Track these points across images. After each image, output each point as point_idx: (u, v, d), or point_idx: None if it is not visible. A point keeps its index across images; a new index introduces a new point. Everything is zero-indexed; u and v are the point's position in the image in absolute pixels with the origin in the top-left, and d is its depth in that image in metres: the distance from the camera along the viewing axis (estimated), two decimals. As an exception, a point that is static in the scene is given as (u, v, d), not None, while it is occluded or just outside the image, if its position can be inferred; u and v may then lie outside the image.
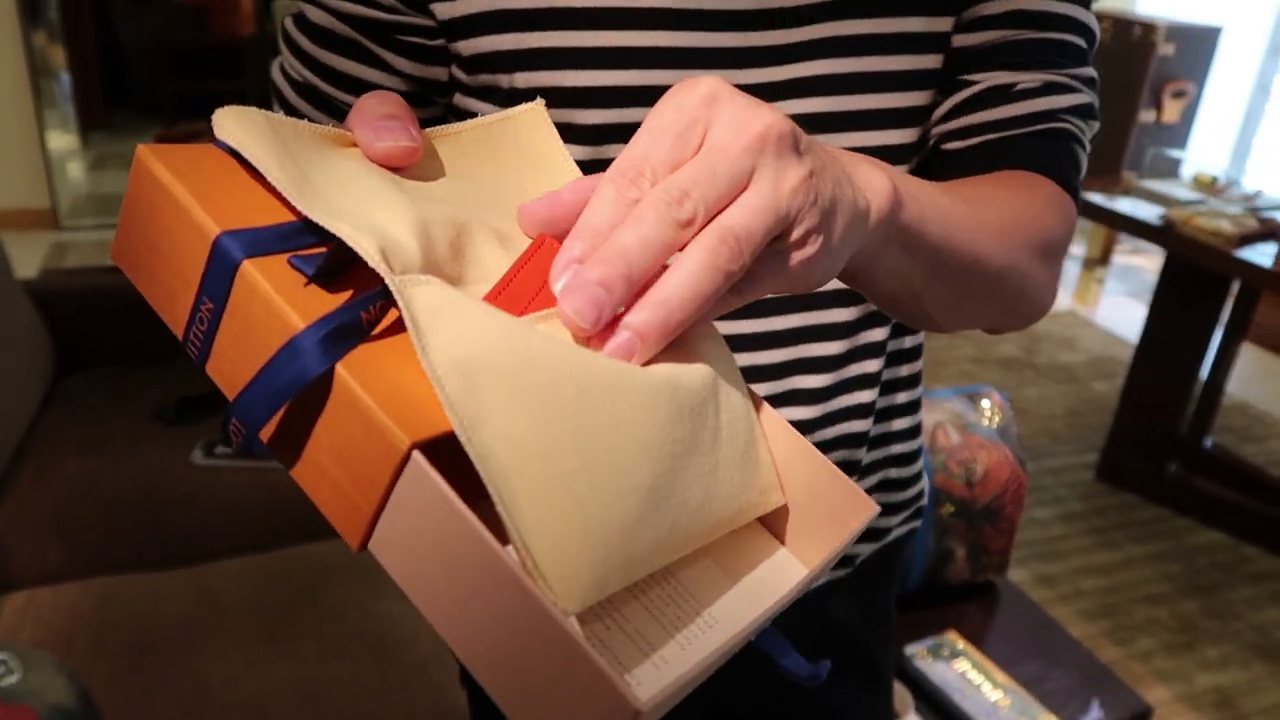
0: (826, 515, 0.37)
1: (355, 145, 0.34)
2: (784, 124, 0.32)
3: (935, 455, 1.38)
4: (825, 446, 0.62)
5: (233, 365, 0.29)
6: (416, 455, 0.26)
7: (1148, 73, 3.69)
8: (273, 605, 1.33)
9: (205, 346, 0.30)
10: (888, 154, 0.55)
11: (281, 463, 0.29)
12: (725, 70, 0.51)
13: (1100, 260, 3.85)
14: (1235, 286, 2.40)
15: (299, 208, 0.30)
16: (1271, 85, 4.32)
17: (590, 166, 0.52)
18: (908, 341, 0.67)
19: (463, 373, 0.27)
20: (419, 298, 0.28)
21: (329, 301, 0.29)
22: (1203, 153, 4.37)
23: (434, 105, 0.58)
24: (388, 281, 0.28)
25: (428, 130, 0.36)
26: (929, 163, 0.57)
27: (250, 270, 0.28)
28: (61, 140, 4.13)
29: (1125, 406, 2.56)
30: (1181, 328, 2.44)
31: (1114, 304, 3.88)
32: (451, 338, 0.27)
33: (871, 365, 0.62)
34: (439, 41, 0.54)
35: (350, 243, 0.29)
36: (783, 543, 0.38)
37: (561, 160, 0.40)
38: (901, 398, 0.68)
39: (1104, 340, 3.57)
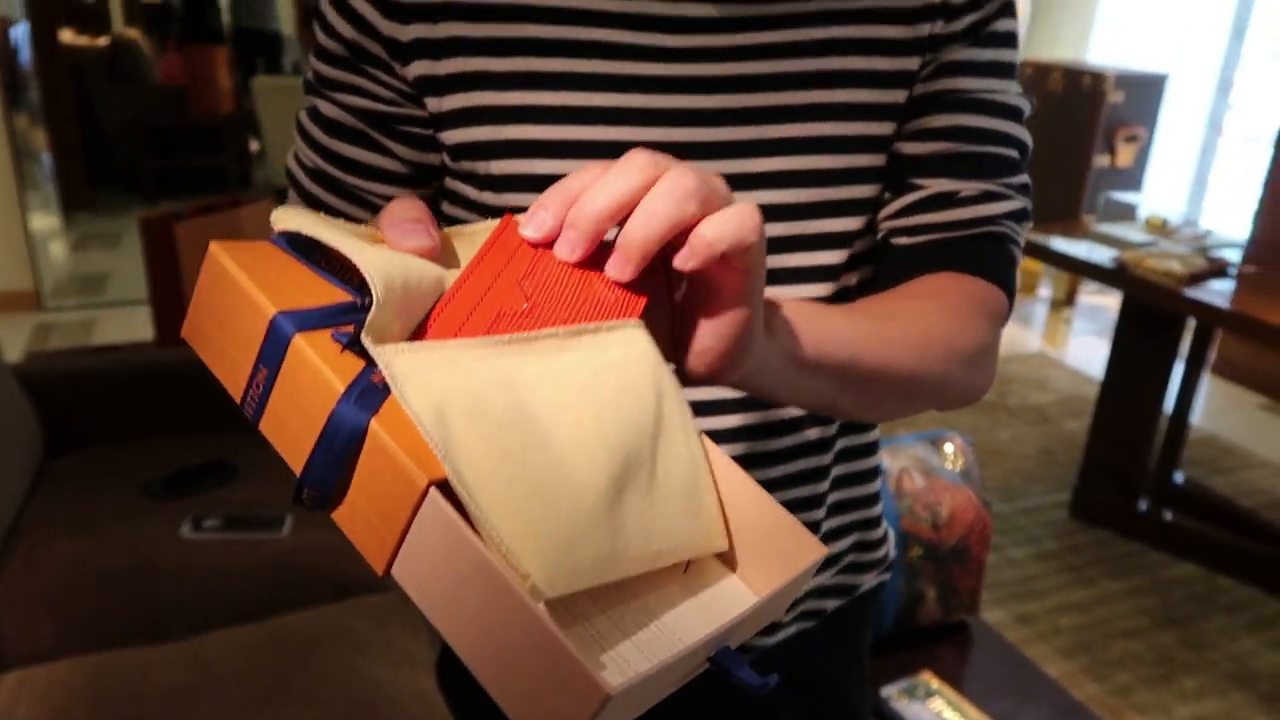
0: (780, 555, 0.42)
1: (384, 243, 0.41)
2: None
3: (901, 500, 1.43)
4: None
5: (282, 422, 0.36)
6: (433, 491, 0.32)
7: (1099, 120, 3.83)
8: (265, 672, 1.36)
9: (260, 407, 0.37)
10: (836, 240, 0.61)
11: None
12: (691, 160, 0.57)
13: (1066, 302, 3.95)
14: (1191, 322, 2.49)
15: (351, 258, 0.37)
16: (1222, 124, 4.48)
17: None
18: (869, 462, 0.73)
19: (435, 412, 0.34)
20: (397, 363, 0.35)
21: (361, 367, 0.36)
22: (1161, 193, 4.51)
23: (429, 186, 0.65)
24: (371, 352, 0.35)
25: (446, 230, 0.43)
26: (879, 253, 0.64)
27: (300, 343, 0.35)
28: (44, 221, 4.20)
29: (1094, 444, 2.63)
30: (1143, 364, 2.52)
31: (1081, 344, 3.97)
32: (424, 387, 0.35)
33: (819, 459, 0.68)
34: (432, 131, 0.61)
35: (375, 287, 0.36)
36: (741, 577, 0.44)
37: None
38: (860, 465, 0.74)
39: (1073, 379, 3.65)
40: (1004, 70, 0.62)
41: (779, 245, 0.60)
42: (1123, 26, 4.70)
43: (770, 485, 0.65)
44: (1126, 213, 2.98)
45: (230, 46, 6.57)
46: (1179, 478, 2.71)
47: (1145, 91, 3.90)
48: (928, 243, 0.61)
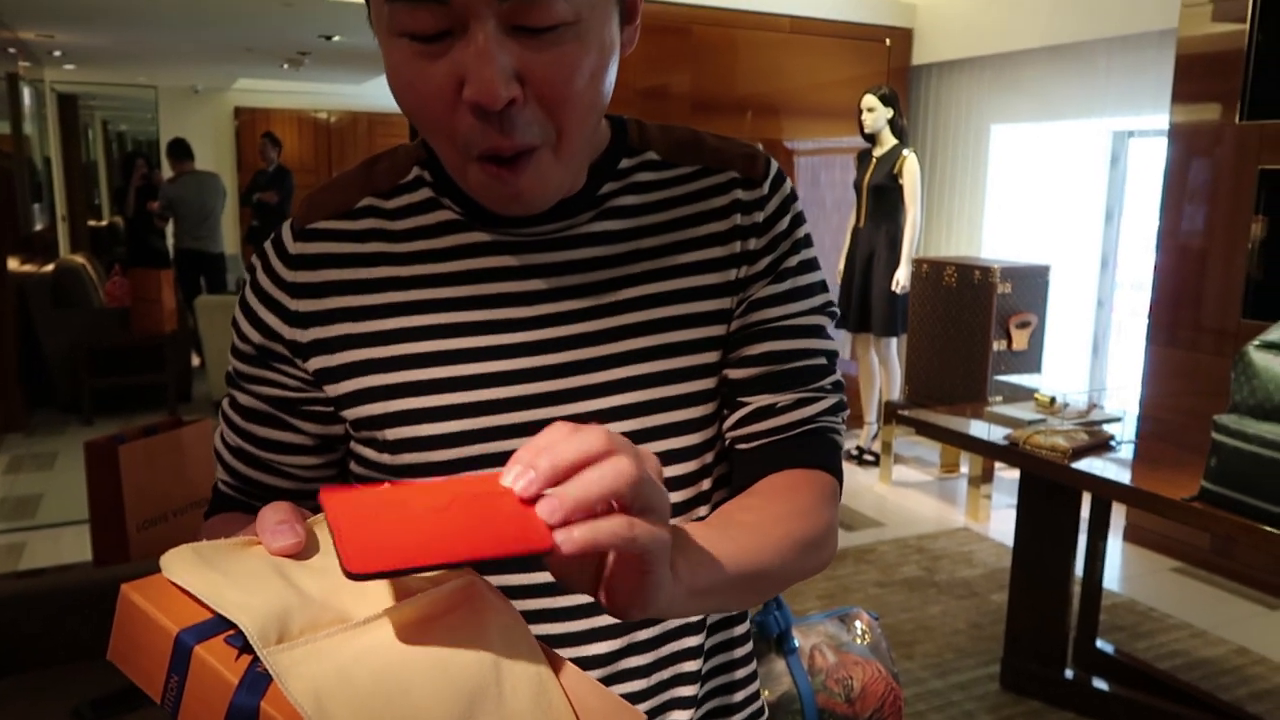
0: None
1: (259, 545, 0.52)
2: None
3: (815, 676, 1.51)
4: None
5: (195, 716, 0.46)
6: None
7: (993, 309, 4.17)
8: None
9: (176, 707, 0.47)
10: (683, 454, 0.74)
11: None
12: (544, 409, 0.71)
13: (984, 478, 4.14)
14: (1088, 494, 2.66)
15: (218, 612, 0.47)
16: (1111, 302, 4.88)
17: None
18: (737, 630, 0.83)
19: (313, 697, 0.44)
20: (277, 660, 0.45)
21: (249, 660, 0.46)
22: (1062, 371, 4.84)
23: (337, 451, 0.78)
24: (259, 654, 0.45)
25: (310, 520, 0.54)
26: (728, 457, 0.77)
27: (200, 652, 0.45)
28: (-23, 446, 4.19)
29: (1014, 616, 2.73)
30: (1048, 534, 2.67)
31: (1002, 517, 4.14)
32: (300, 678, 0.45)
33: (689, 665, 0.78)
34: (332, 409, 0.74)
35: (246, 632, 0.46)
36: None
37: None
38: (740, 673, 0.83)
39: (997, 552, 3.78)
40: (803, 294, 0.77)
41: None
42: (1009, 223, 5.18)
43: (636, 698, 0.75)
44: (1024, 394, 3.23)
45: (174, 267, 6.80)
46: (1102, 644, 2.81)
47: (1031, 281, 4.27)
48: (762, 446, 0.75)
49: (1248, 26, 3.24)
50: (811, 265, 0.79)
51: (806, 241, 0.79)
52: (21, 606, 2.01)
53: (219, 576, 0.49)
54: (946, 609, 3.27)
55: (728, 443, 0.77)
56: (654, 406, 0.73)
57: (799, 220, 0.78)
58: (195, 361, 6.20)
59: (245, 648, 0.46)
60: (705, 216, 0.75)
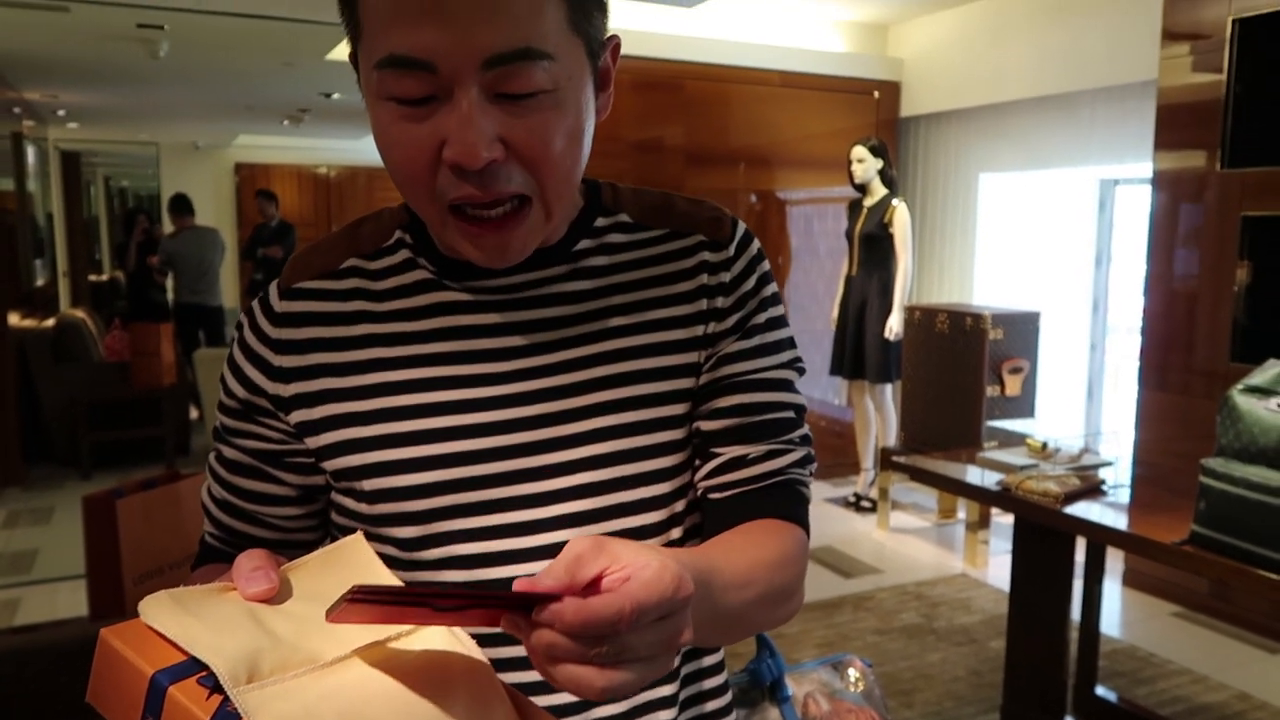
0: None
1: (235, 591, 0.55)
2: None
3: (809, 725, 1.51)
4: None
5: None
6: None
7: (984, 354, 4.21)
8: None
9: None
10: (652, 503, 0.76)
11: None
12: (518, 459, 0.73)
13: (981, 524, 4.14)
14: (1082, 538, 2.67)
15: (190, 653, 0.50)
16: (1104, 345, 4.92)
17: (420, 541, 0.73)
18: (707, 660, 0.84)
19: None
20: (247, 700, 0.48)
21: (220, 700, 0.48)
22: (1058, 416, 4.86)
23: (318, 502, 0.80)
24: (229, 694, 0.48)
25: (284, 567, 0.56)
26: (701, 506, 0.79)
27: (174, 692, 0.48)
28: (-26, 501, 4.19)
29: (1012, 663, 2.72)
30: (1043, 580, 2.67)
31: (1000, 563, 4.12)
32: (271, 714, 0.47)
33: (663, 714, 0.78)
34: (313, 460, 0.77)
35: (216, 673, 0.48)
36: None
37: (374, 565, 0.60)
38: (710, 706, 0.84)
39: (996, 599, 3.77)
40: (770, 350, 0.80)
41: (600, 515, 0.74)
42: (1000, 270, 5.24)
43: None
44: (1018, 439, 3.24)
45: (174, 321, 6.85)
46: (1102, 691, 2.79)
47: (1022, 327, 4.31)
48: (733, 496, 0.77)
49: (1225, 77, 3.32)
50: (779, 322, 0.82)
51: (774, 300, 0.82)
52: (16, 662, 2.00)
53: (194, 621, 0.51)
54: (946, 656, 3.26)
55: (700, 492, 0.79)
56: (624, 457, 0.75)
57: (766, 279, 0.81)
58: (194, 414, 6.21)
59: (216, 688, 0.48)
60: (673, 277, 0.79)
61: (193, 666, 0.49)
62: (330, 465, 0.76)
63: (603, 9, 0.70)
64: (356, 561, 0.59)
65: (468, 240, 0.68)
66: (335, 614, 0.47)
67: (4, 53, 5.49)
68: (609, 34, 0.72)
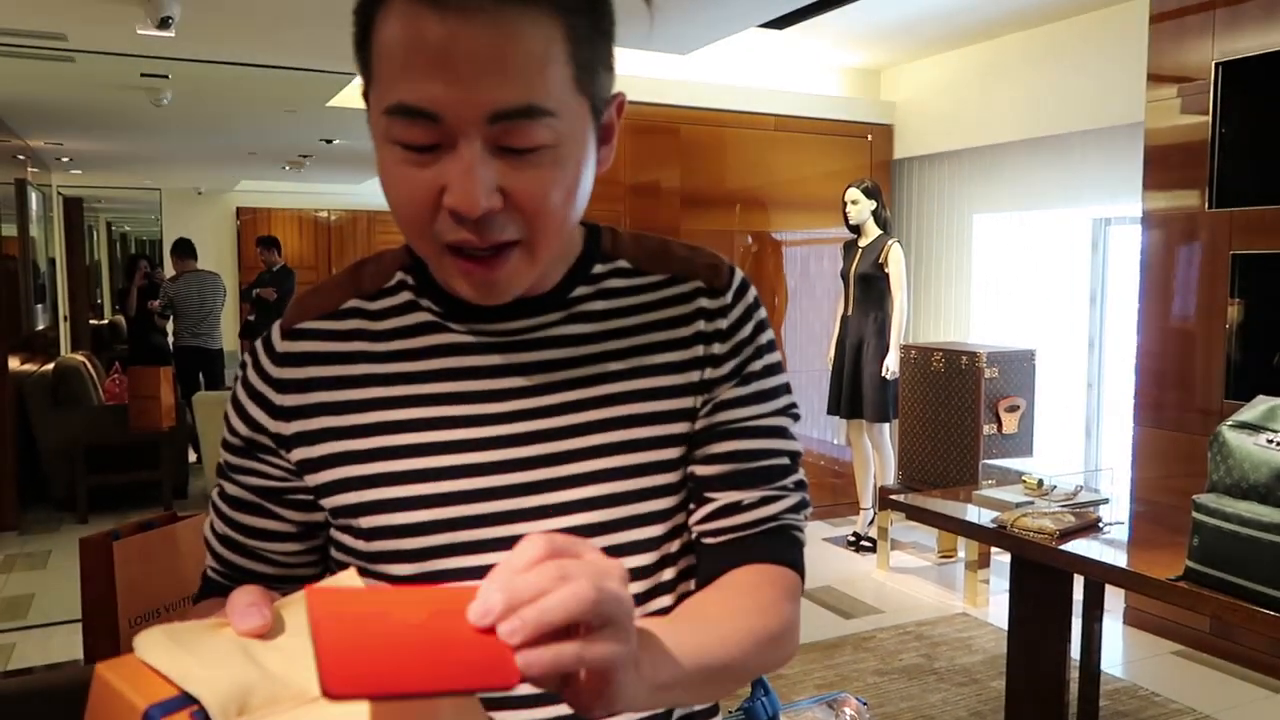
0: None
1: (229, 626, 0.56)
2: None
3: (805, 764, 1.51)
4: None
5: None
6: None
7: (980, 393, 4.22)
8: None
9: None
10: (645, 545, 0.77)
11: None
12: (513, 499, 0.74)
13: (981, 563, 4.13)
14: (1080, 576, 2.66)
15: (182, 688, 0.51)
16: (1100, 383, 4.93)
17: (414, 578, 0.75)
18: (698, 705, 0.84)
19: None
20: None
21: None
22: (1056, 453, 4.86)
23: (318, 538, 0.82)
24: None
25: (278, 602, 0.57)
26: (695, 549, 0.80)
27: None
28: (-30, 546, 4.18)
29: (1014, 703, 2.71)
30: (1042, 619, 2.66)
31: (1001, 602, 4.10)
32: None
33: None
34: (313, 497, 0.78)
35: (206, 707, 0.50)
36: None
37: None
38: None
39: (997, 638, 3.75)
40: (767, 396, 0.81)
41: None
42: (995, 309, 5.27)
43: None
44: (1016, 477, 3.25)
45: (174, 363, 6.87)
46: (1103, 730, 2.77)
47: (1017, 365, 4.34)
48: (728, 541, 0.78)
49: (1211, 119, 3.38)
50: (775, 369, 0.83)
51: (770, 347, 0.83)
52: (10, 705, 1.99)
53: (187, 655, 0.52)
54: (947, 697, 3.23)
55: (694, 536, 0.80)
56: (618, 499, 0.76)
57: (762, 326, 0.83)
58: (192, 458, 6.21)
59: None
60: (670, 322, 0.80)
61: (185, 701, 0.50)
62: (329, 502, 0.77)
63: (609, 68, 0.71)
64: None
65: (461, 276, 0.70)
66: (324, 665, 0.47)
67: (10, 101, 5.57)
68: (614, 90, 0.73)
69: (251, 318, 7.72)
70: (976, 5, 4.36)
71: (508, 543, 0.73)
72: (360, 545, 0.77)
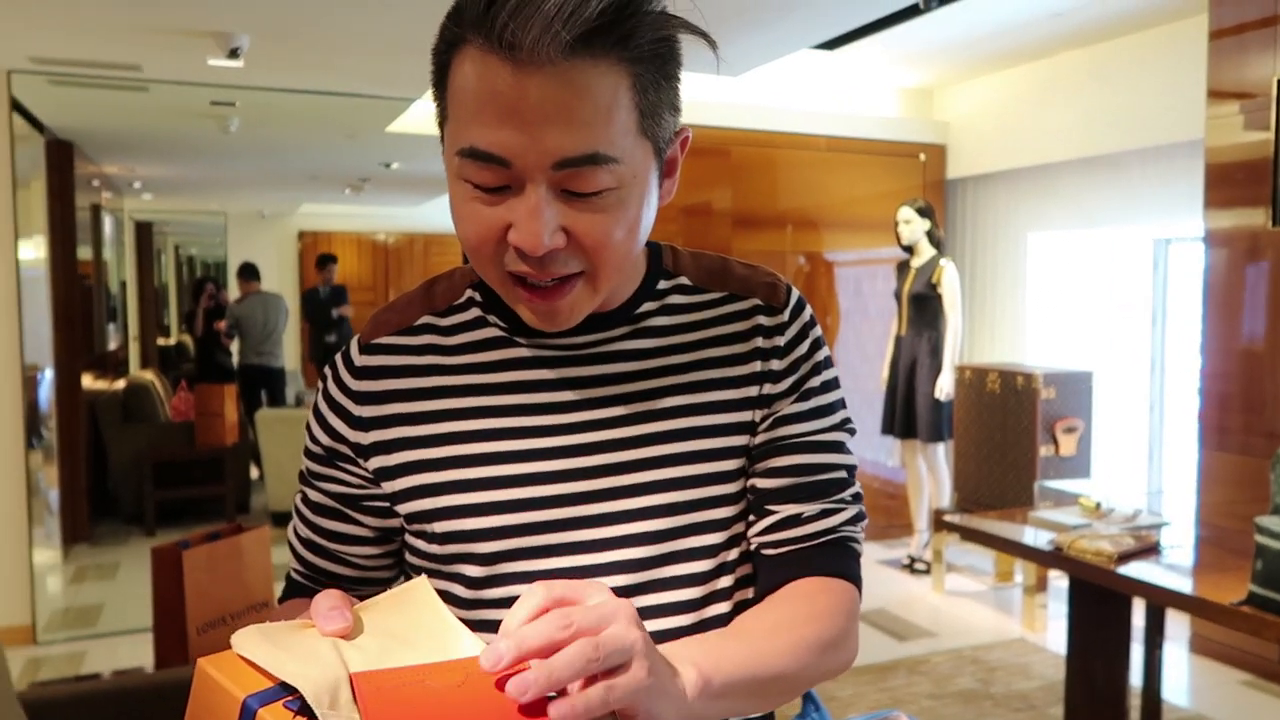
0: None
1: (314, 626, 0.60)
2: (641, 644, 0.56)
3: (855, 781, 1.51)
4: None
5: None
6: None
7: (1037, 414, 4.16)
8: None
9: None
10: (702, 552, 0.80)
11: None
12: (578, 507, 0.78)
13: (1038, 587, 4.05)
14: (1141, 601, 2.61)
15: (280, 678, 0.55)
16: (1163, 405, 4.83)
17: (485, 581, 0.78)
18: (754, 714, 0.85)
19: None
20: None
21: None
22: (1116, 477, 4.76)
23: (394, 543, 0.86)
24: (317, 715, 0.53)
25: (357, 606, 0.61)
26: (754, 560, 0.82)
27: (263, 715, 0.53)
28: (45, 555, 4.33)
29: (1071, 728, 2.65)
30: (1101, 644, 2.61)
31: (1060, 627, 4.02)
32: None
33: None
34: (389, 504, 0.82)
35: (306, 696, 0.53)
36: None
37: (437, 607, 0.64)
38: None
39: (1055, 664, 3.67)
40: (825, 412, 0.84)
41: (653, 562, 0.78)
42: (1051, 329, 5.20)
43: None
44: (1073, 500, 3.20)
45: (238, 382, 7.06)
46: (1166, 760, 2.71)
47: (1075, 386, 4.27)
48: (787, 553, 0.80)
49: (1273, 135, 3.31)
50: (832, 385, 0.86)
51: (827, 363, 0.86)
52: (80, 709, 2.07)
53: (280, 652, 0.56)
54: (1003, 723, 3.18)
55: (754, 547, 0.82)
56: (678, 508, 0.79)
57: (819, 344, 0.86)
58: (254, 474, 6.36)
59: (301, 710, 0.53)
60: (729, 338, 0.83)
61: (280, 692, 0.54)
62: (404, 508, 0.81)
63: (675, 109, 0.74)
64: (421, 602, 0.64)
65: (524, 304, 0.74)
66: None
67: (88, 129, 5.81)
68: (679, 128, 0.76)
69: (331, 338, 7.92)
70: (1032, 23, 4.34)
71: (573, 548, 0.77)
72: (434, 549, 0.80)
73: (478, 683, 0.54)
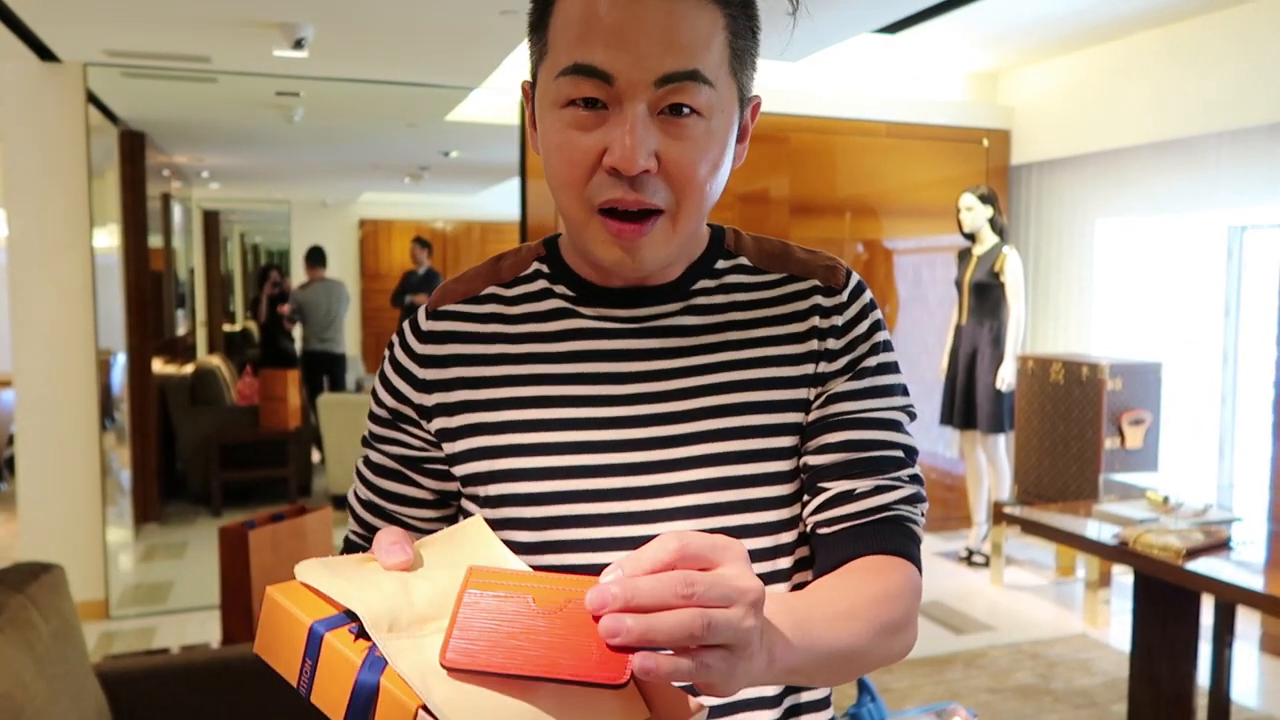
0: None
1: (375, 560, 0.62)
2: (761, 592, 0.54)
3: (911, 773, 1.49)
4: None
5: (325, 692, 0.55)
6: (420, 711, 0.51)
7: (1102, 406, 4.06)
8: None
9: (309, 686, 0.56)
10: (756, 529, 0.79)
11: None
12: (629, 477, 0.78)
13: (1101, 582, 3.97)
14: (1209, 598, 2.54)
15: (343, 604, 0.57)
16: (1235, 399, 4.67)
17: (533, 546, 0.79)
18: (805, 696, 0.85)
19: (419, 675, 0.52)
20: (390, 647, 0.54)
21: (369, 646, 0.55)
22: (1185, 471, 4.62)
23: (450, 507, 0.88)
24: (376, 640, 0.54)
25: (418, 542, 0.63)
26: (811, 539, 0.81)
27: (330, 639, 0.55)
28: (117, 534, 4.48)
29: (1135, 726, 2.60)
30: (1167, 641, 2.55)
31: (1124, 623, 3.93)
32: (409, 663, 0.53)
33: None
34: (448, 466, 0.84)
35: (363, 620, 0.55)
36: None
37: (494, 544, 0.66)
38: None
39: (1118, 661, 3.59)
40: (881, 392, 0.83)
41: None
42: (1119, 319, 5.06)
43: None
44: (1139, 493, 3.12)
45: (301, 367, 7.22)
46: (1234, 762, 2.63)
47: (1142, 377, 4.16)
48: (842, 530, 0.79)
49: (1359, 117, 3.18)
50: (891, 368, 0.85)
51: (886, 346, 0.85)
52: (151, 681, 2.14)
53: (343, 581, 0.59)
54: (1063, 718, 3.12)
55: (809, 527, 0.81)
56: (730, 483, 0.79)
57: (878, 326, 0.85)
58: (316, 457, 6.50)
59: (362, 634, 0.55)
60: (787, 318, 0.84)
61: (344, 619, 0.56)
62: (460, 470, 0.83)
63: (754, 64, 0.79)
64: (478, 538, 0.66)
65: (610, 238, 0.75)
66: (453, 637, 0.53)
67: (158, 120, 5.97)
68: (753, 93, 0.80)
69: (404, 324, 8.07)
70: (1104, 3, 4.21)
71: (622, 518, 0.78)
72: (486, 513, 0.81)
73: (575, 610, 0.53)
